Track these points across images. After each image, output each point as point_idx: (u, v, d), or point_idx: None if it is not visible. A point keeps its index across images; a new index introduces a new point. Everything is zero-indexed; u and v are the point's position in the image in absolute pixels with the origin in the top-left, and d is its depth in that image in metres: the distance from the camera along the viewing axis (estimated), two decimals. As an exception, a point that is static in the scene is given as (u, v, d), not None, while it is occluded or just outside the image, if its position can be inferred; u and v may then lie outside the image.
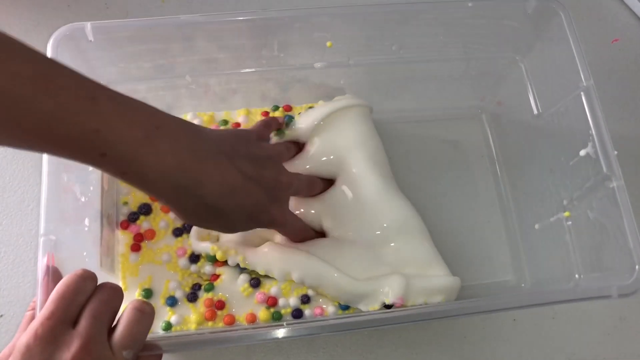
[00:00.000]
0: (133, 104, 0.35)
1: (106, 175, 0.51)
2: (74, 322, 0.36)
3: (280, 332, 0.41)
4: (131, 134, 0.33)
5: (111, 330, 0.37)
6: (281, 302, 0.50)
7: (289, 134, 0.54)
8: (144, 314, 0.38)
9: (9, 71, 0.29)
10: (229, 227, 0.44)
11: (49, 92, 0.30)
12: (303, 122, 0.54)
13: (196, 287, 0.51)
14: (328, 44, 0.52)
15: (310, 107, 0.57)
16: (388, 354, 0.53)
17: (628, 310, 0.56)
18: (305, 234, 0.51)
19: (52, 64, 0.32)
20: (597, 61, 0.48)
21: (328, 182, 0.53)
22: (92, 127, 0.32)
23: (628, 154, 0.47)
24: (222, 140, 0.41)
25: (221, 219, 0.41)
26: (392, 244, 0.50)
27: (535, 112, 0.54)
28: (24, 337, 0.34)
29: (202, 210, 0.39)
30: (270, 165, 0.44)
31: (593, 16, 0.47)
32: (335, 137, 0.53)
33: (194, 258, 0.51)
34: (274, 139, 0.54)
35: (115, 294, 0.38)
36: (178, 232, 0.52)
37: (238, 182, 0.40)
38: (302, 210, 0.53)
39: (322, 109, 0.54)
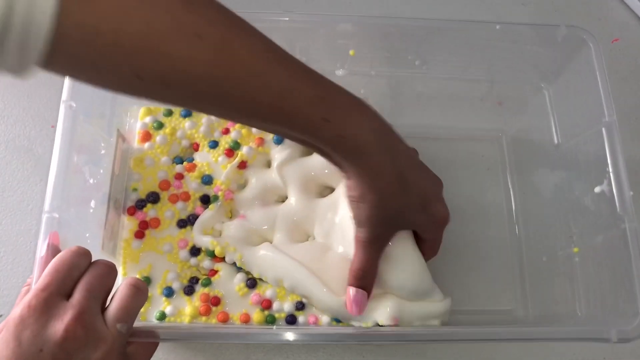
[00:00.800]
0: (333, 83, 0.39)
1: (118, 160, 0.51)
2: (68, 296, 0.36)
3: (274, 336, 0.41)
4: (347, 100, 0.38)
5: (105, 306, 0.38)
6: (276, 305, 0.50)
7: None
8: (139, 290, 0.39)
9: (246, 45, 0.32)
10: (404, 208, 0.44)
11: (281, 64, 0.34)
12: None
13: (193, 281, 0.51)
14: (351, 52, 0.52)
15: None
16: (388, 354, 0.53)
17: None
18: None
19: (270, 40, 0.35)
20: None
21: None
22: (317, 94, 0.36)
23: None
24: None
25: (402, 196, 0.43)
26: (384, 265, 0.49)
27: (556, 141, 0.53)
28: (17, 308, 0.35)
29: (392, 174, 0.41)
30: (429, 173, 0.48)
31: (593, 16, 0.47)
32: None
33: (195, 251, 0.52)
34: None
35: (109, 270, 0.38)
36: (182, 224, 0.53)
37: (417, 161, 0.45)
38: (298, 211, 0.52)
39: None
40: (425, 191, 0.44)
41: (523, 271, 0.56)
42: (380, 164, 0.40)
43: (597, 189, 0.47)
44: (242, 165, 0.54)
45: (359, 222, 0.44)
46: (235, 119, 0.38)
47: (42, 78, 0.60)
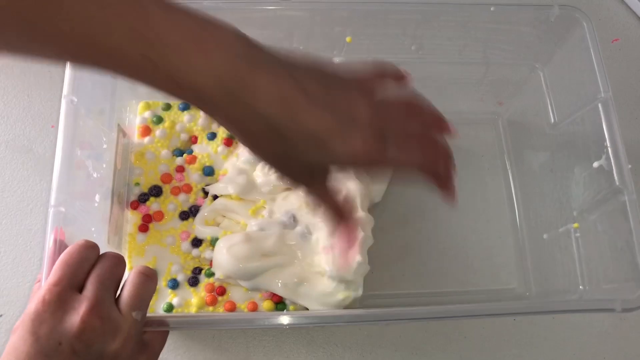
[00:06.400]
0: (181, 8, 0.30)
1: (120, 154, 0.51)
2: (80, 289, 0.36)
3: (282, 319, 0.41)
4: (177, 35, 0.29)
5: (117, 296, 0.38)
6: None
7: None
8: (149, 277, 0.39)
9: None
10: (294, 159, 0.34)
11: None
12: None
13: (197, 271, 0.51)
14: (348, 39, 0.52)
15: None
16: (388, 354, 0.53)
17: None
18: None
19: None
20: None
21: None
22: (135, 25, 0.28)
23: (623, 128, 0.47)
24: (286, 55, 0.34)
25: (283, 143, 0.33)
26: None
27: (552, 120, 0.54)
28: (31, 304, 0.35)
29: (260, 127, 0.32)
30: (347, 89, 0.35)
31: (593, 16, 0.48)
32: None
33: (196, 242, 0.52)
34: None
35: (118, 261, 0.38)
36: (184, 216, 0.53)
37: (299, 99, 0.32)
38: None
39: None
40: (315, 131, 0.33)
41: (524, 250, 0.57)
42: (235, 117, 0.32)
43: (595, 164, 0.47)
44: (228, 142, 0.55)
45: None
46: (49, 56, 0.30)
47: (42, 78, 0.60)
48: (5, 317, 0.52)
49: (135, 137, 0.55)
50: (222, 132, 0.56)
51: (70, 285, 0.36)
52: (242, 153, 0.54)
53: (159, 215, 0.53)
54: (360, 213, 0.50)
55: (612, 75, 0.48)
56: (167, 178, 0.54)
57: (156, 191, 0.53)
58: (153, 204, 0.53)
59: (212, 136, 0.56)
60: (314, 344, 0.53)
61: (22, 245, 0.54)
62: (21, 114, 0.59)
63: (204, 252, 0.52)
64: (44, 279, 0.37)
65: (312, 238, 0.49)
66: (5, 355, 0.34)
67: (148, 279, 0.39)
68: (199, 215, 0.52)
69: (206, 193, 0.54)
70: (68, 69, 0.45)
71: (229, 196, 0.52)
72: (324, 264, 0.48)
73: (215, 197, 0.53)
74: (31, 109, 0.59)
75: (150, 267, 0.50)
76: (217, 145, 0.55)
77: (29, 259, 0.54)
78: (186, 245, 0.52)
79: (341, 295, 0.48)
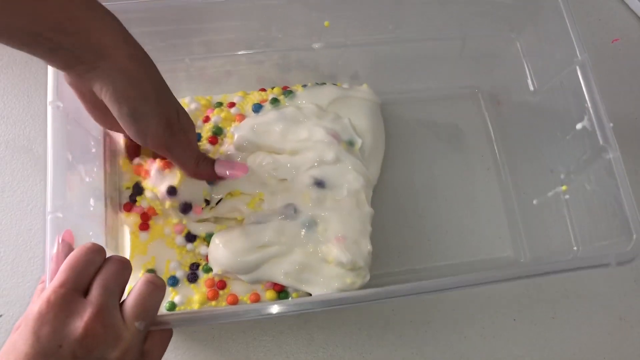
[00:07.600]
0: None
1: (108, 158, 0.51)
2: (85, 293, 0.36)
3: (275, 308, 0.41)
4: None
5: (122, 302, 0.37)
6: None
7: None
8: (156, 286, 0.38)
9: None
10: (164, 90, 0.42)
11: None
12: (314, 97, 0.55)
13: (194, 267, 0.51)
14: (325, 23, 0.52)
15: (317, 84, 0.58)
16: (388, 354, 0.54)
17: (628, 310, 0.57)
18: None
19: None
20: (598, 61, 0.48)
21: None
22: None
23: (623, 128, 0.48)
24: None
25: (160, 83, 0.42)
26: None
27: (532, 88, 0.55)
28: (35, 304, 0.35)
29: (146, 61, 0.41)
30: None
31: (593, 16, 0.48)
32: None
33: (190, 237, 0.51)
34: (268, 106, 0.55)
35: (124, 266, 0.38)
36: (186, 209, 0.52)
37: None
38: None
39: (335, 90, 0.55)
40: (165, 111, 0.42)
41: (515, 217, 0.58)
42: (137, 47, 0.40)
43: (578, 126, 0.48)
44: (213, 140, 0.54)
45: (133, 113, 0.40)
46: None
47: (42, 78, 0.60)
48: (5, 317, 0.52)
49: (122, 140, 0.55)
50: (206, 130, 0.55)
51: (75, 288, 0.35)
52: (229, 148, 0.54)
53: (153, 210, 0.52)
54: (367, 208, 0.50)
55: (612, 75, 0.48)
56: (140, 170, 0.52)
57: (137, 189, 0.52)
58: (142, 202, 0.52)
59: (197, 137, 0.55)
60: (314, 344, 0.54)
61: (22, 245, 0.54)
62: (21, 114, 0.59)
63: (198, 247, 0.51)
64: (48, 281, 0.37)
65: (317, 228, 0.49)
66: (4, 354, 0.34)
67: (156, 289, 0.38)
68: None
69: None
70: (50, 75, 0.44)
71: (229, 194, 0.52)
72: (335, 252, 0.48)
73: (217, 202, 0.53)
74: (31, 109, 0.59)
75: (149, 271, 0.50)
76: (203, 146, 0.54)
77: (29, 259, 0.54)
78: (180, 239, 0.52)
79: (349, 279, 0.48)
